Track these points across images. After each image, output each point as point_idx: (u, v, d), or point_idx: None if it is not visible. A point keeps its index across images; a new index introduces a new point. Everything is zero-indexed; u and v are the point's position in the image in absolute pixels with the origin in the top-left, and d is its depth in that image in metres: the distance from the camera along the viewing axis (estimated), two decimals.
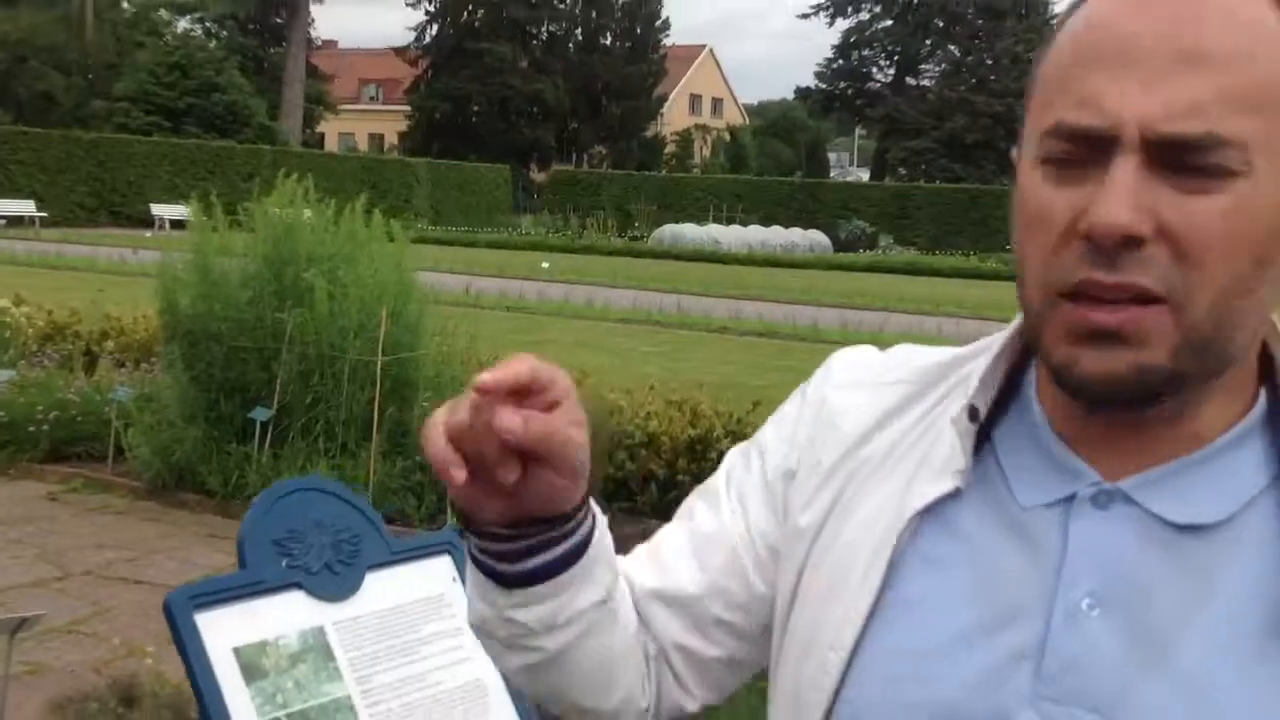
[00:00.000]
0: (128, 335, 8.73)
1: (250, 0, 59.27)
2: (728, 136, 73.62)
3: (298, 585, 1.67)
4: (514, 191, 55.49)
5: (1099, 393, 0.83)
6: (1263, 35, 0.81)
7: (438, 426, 0.83)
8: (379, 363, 6.18)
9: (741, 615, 1.04)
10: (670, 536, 1.09)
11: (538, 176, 63.38)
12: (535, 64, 65.77)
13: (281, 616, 1.76)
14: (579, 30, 69.62)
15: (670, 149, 70.90)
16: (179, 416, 6.73)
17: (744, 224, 44.83)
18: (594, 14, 68.76)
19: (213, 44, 54.28)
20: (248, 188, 7.03)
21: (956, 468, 0.91)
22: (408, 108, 66.60)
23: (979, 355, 0.97)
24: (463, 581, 1.67)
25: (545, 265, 26.80)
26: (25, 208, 34.73)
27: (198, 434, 6.66)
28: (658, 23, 69.61)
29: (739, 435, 6.71)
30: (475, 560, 0.94)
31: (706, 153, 73.06)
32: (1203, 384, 0.85)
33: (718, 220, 45.31)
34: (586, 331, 16.38)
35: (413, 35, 66.27)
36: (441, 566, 1.87)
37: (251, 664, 1.70)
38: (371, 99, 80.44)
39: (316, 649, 1.74)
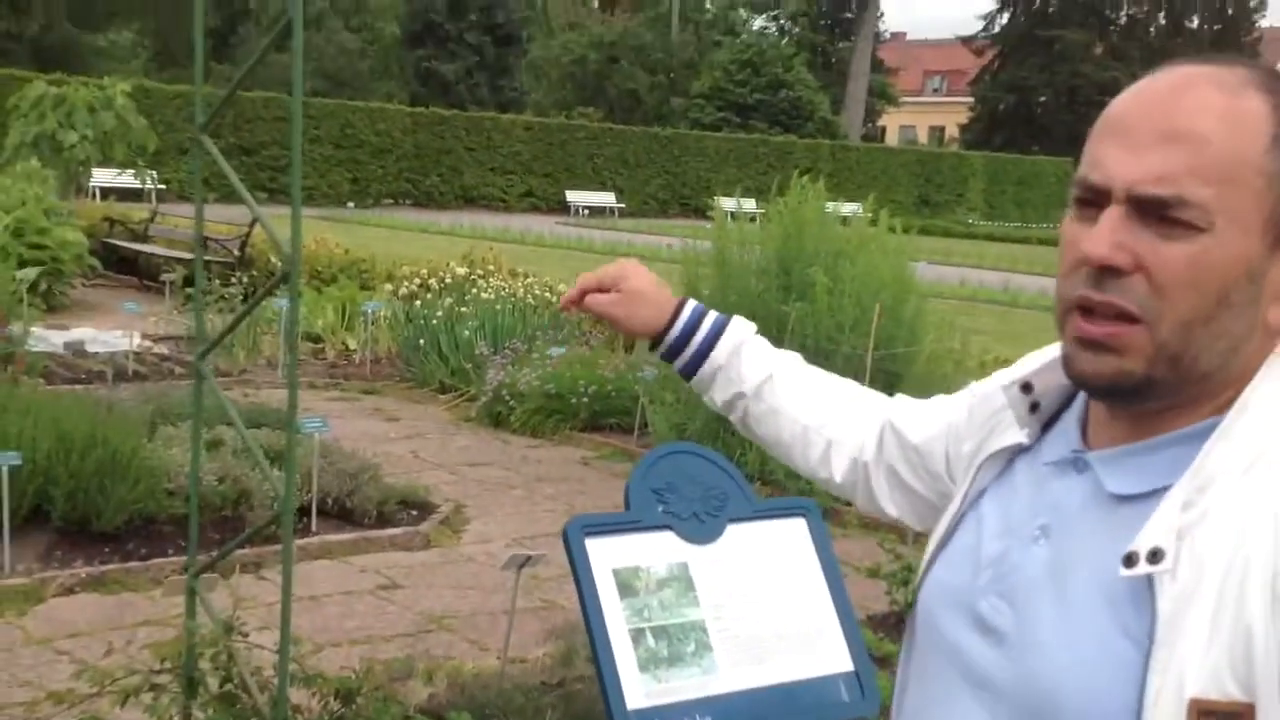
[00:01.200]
0: None
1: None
2: None
3: (669, 527, 2.06)
4: None
5: (1090, 387, 1.14)
6: (1214, 125, 1.05)
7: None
8: (869, 356, 6.48)
9: (930, 480, 1.46)
10: (938, 400, 1.52)
11: None
12: (1111, 50, 62.75)
13: (654, 550, 2.18)
14: (1161, 13, 65.59)
15: None
16: (694, 395, 7.39)
17: None
18: None
19: (784, 41, 56.58)
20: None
21: (1016, 427, 1.25)
22: (970, 99, 65.91)
23: None
24: (814, 541, 1.96)
25: None
26: (606, 200, 38.12)
27: (707, 414, 7.27)
28: (1252, 3, 64.17)
29: None
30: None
31: None
32: (1180, 390, 1.10)
33: None
34: None
35: (981, 24, 65.43)
36: (796, 526, 2.18)
37: (626, 583, 2.13)
38: (935, 90, 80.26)
39: (680, 579, 2.14)
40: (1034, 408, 1.24)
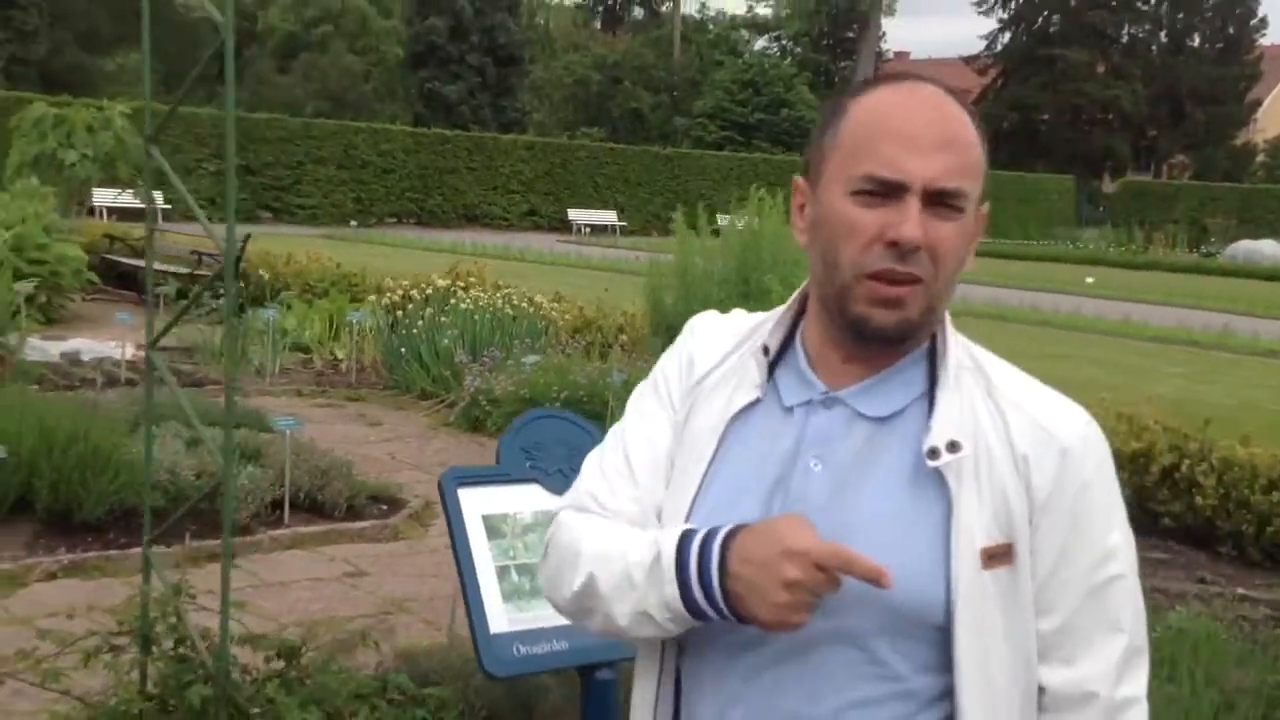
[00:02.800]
0: (637, 329, 9.91)
1: (823, 17, 61.53)
2: None
3: (535, 480, 2.34)
4: (1078, 204, 53.69)
5: (881, 335, 1.42)
6: (969, 134, 1.42)
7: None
8: None
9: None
10: (633, 455, 1.57)
11: (1109, 188, 60.80)
12: (1113, 69, 63.14)
13: (521, 500, 2.48)
14: (1163, 33, 65.97)
15: (1260, 158, 65.45)
16: None
17: None
18: (1180, 15, 64.89)
19: (785, 61, 56.98)
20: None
21: (755, 384, 1.50)
22: None
23: (775, 317, 1.56)
24: None
25: (1090, 280, 26.06)
26: (608, 218, 38.48)
27: None
28: (1253, 21, 64.47)
29: (1183, 451, 6.64)
30: (696, 609, 1.39)
31: None
32: (925, 330, 1.45)
33: None
34: (1109, 348, 16.00)
35: (983, 44, 65.85)
36: None
37: (494, 527, 2.45)
38: None
39: (544, 525, 2.43)
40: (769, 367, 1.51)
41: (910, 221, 1.37)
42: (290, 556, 5.82)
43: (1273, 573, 5.91)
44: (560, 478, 2.37)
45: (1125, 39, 65.36)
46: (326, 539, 6.06)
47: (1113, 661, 1.42)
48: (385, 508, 6.51)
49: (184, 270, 13.05)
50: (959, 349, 1.48)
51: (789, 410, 1.48)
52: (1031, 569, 1.40)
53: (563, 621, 2.32)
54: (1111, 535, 1.43)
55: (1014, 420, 1.42)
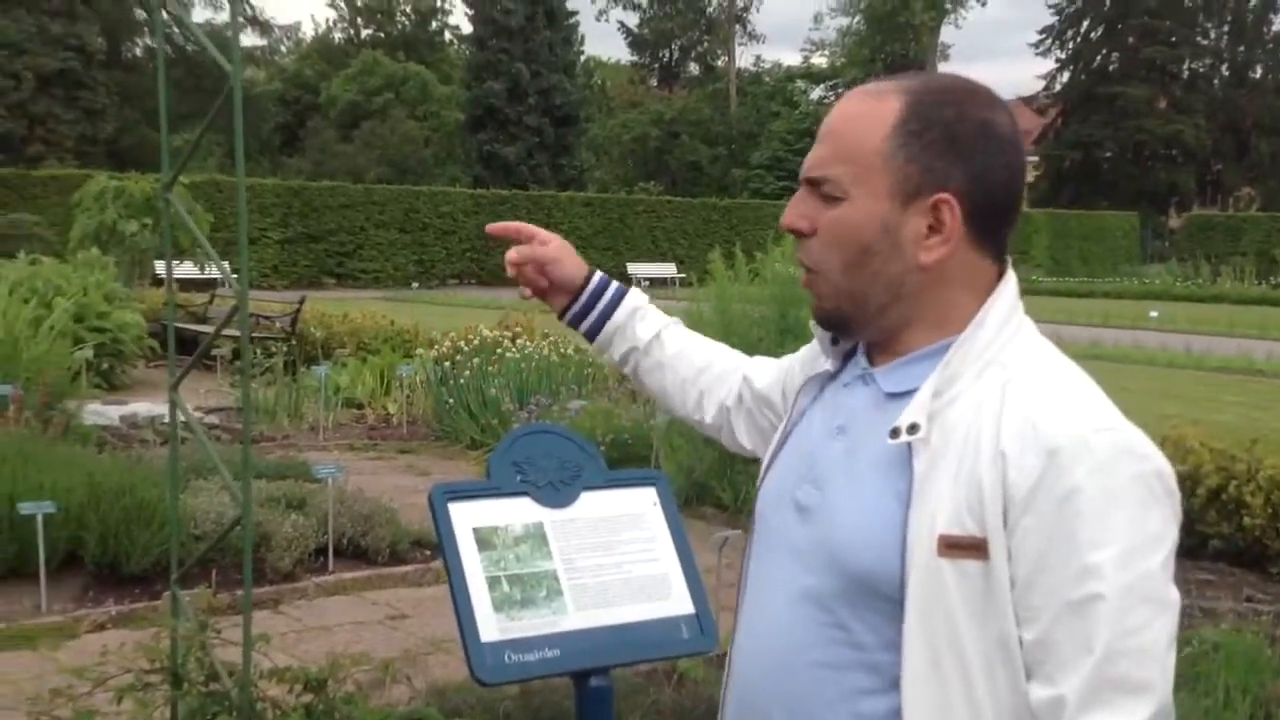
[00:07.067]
0: None
1: (878, 65, 61.63)
2: None
3: (526, 494, 2.36)
4: (1143, 240, 53.08)
5: (816, 320, 1.57)
6: (855, 124, 1.47)
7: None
8: None
9: (774, 417, 1.84)
10: (776, 359, 1.92)
11: (1174, 223, 60.06)
12: (1174, 104, 62.57)
13: (511, 512, 2.51)
14: (1225, 66, 65.35)
15: None
16: (700, 439, 7.71)
17: None
18: (1241, 48, 64.26)
19: None
20: None
21: (829, 358, 1.63)
22: (1035, 158, 65.87)
23: None
24: (662, 507, 2.34)
25: (1153, 314, 25.71)
26: (667, 271, 38.64)
27: (714, 455, 7.60)
28: None
29: (1229, 472, 6.55)
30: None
31: None
32: (871, 319, 1.51)
33: None
34: (1171, 380, 15.80)
35: (1042, 84, 65.56)
36: (645, 494, 2.51)
37: (484, 539, 2.48)
38: None
39: (535, 536, 2.47)
40: (835, 341, 1.61)
41: (788, 206, 1.50)
42: (334, 602, 5.89)
43: None
44: (551, 490, 2.41)
45: (1186, 74, 64.77)
46: (370, 584, 6.14)
47: (1077, 687, 1.31)
48: (428, 552, 6.58)
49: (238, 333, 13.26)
50: (994, 344, 1.45)
51: (845, 385, 1.58)
52: (1012, 573, 1.34)
53: (555, 630, 2.35)
54: (1100, 551, 1.31)
55: (1008, 416, 1.37)
